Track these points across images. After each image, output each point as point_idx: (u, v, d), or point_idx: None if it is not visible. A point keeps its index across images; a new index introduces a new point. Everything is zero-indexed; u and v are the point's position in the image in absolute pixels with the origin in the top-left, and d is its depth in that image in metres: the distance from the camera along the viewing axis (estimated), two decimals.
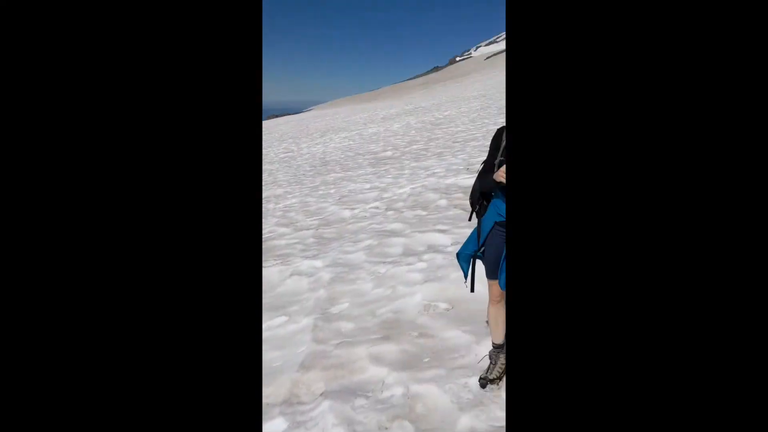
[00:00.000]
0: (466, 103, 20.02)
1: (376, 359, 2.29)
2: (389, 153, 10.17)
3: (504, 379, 1.98)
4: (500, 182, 1.62)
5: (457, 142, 9.79)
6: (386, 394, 2.02)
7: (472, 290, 1.99)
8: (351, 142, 14.45)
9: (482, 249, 1.92)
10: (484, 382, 1.95)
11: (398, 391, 2.02)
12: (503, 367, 2.00)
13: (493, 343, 2.06)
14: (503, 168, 1.62)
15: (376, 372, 2.19)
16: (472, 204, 1.94)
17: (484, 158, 1.86)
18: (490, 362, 2.04)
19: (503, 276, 1.82)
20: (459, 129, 12.00)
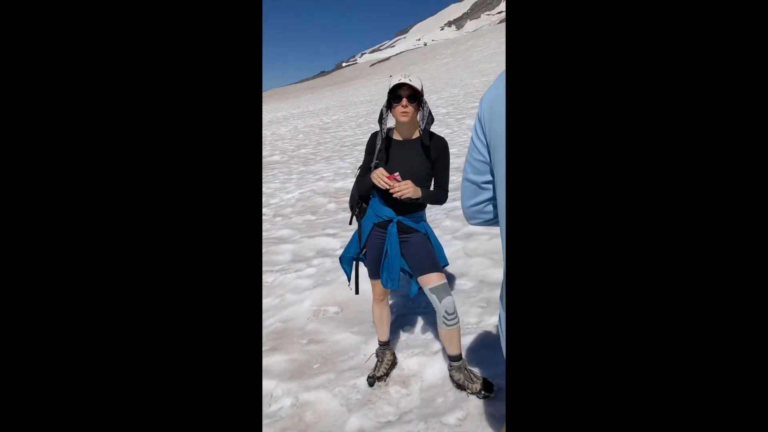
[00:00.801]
0: (354, 108, 20.40)
1: (264, 372, 2.20)
2: (276, 157, 9.88)
3: (390, 374, 2.05)
4: (376, 184, 1.68)
5: (345, 146, 9.92)
6: (274, 407, 1.95)
7: (357, 292, 2.03)
8: None
9: (364, 251, 1.96)
10: (372, 381, 2.00)
11: (287, 402, 1.97)
12: (390, 363, 2.07)
13: (379, 341, 2.12)
14: (378, 170, 1.68)
15: (263, 386, 2.10)
16: (352, 208, 1.97)
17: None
18: (377, 360, 2.09)
19: (384, 275, 1.89)
20: (347, 133, 12.17)
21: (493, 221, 0.87)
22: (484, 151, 0.79)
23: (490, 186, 0.82)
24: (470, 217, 0.90)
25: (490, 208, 0.86)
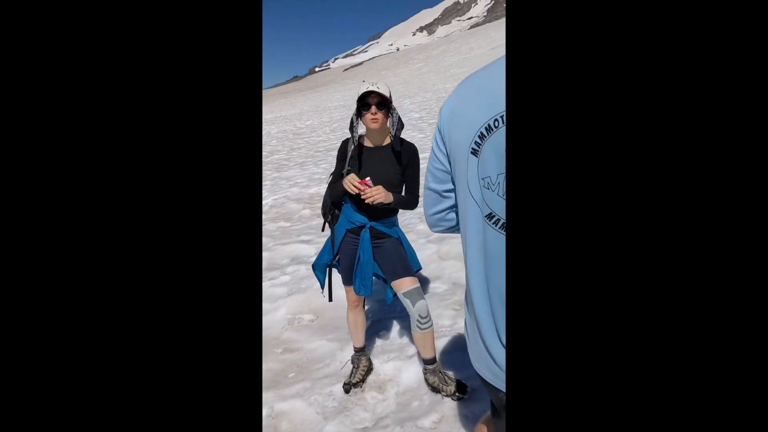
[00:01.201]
0: (328, 113, 20.34)
1: None
2: None
3: (366, 380, 2.05)
4: (348, 190, 1.69)
5: (320, 151, 9.88)
6: None
7: (330, 299, 2.03)
8: None
9: (337, 257, 1.97)
10: (348, 387, 1.99)
11: (262, 413, 1.94)
12: (365, 369, 2.07)
13: (354, 348, 2.12)
14: (350, 176, 1.69)
15: None
16: (324, 215, 1.98)
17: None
18: (353, 366, 2.09)
19: (357, 282, 1.89)
20: (321, 138, 12.12)
21: (455, 228, 0.89)
22: (445, 161, 0.81)
23: (452, 194, 0.84)
24: (433, 225, 0.92)
25: (452, 215, 0.88)
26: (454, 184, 0.81)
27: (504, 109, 0.67)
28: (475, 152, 0.72)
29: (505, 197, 0.70)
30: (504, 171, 0.69)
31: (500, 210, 0.71)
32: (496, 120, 0.69)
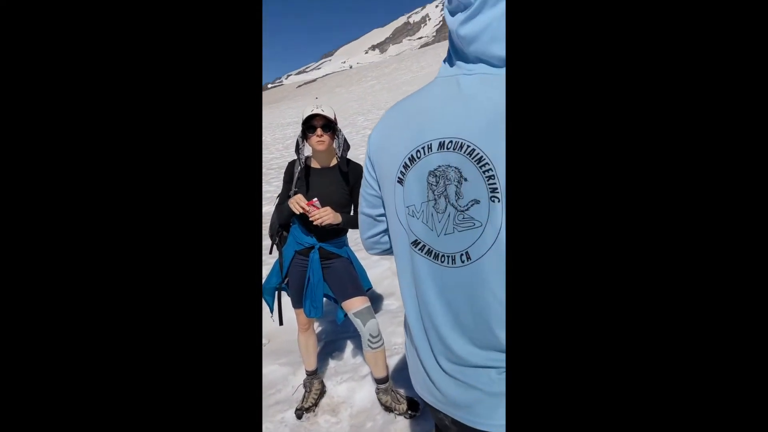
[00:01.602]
0: (281, 130, 20.11)
1: None
2: None
3: (319, 404, 2.01)
4: (294, 211, 1.68)
5: (272, 169, 9.73)
6: None
7: (281, 323, 1.99)
8: None
9: (286, 280, 1.94)
10: (300, 413, 1.95)
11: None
12: (318, 392, 2.04)
13: (306, 371, 2.08)
14: (297, 197, 1.69)
15: None
16: (272, 237, 1.95)
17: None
18: (305, 390, 2.05)
19: (307, 304, 1.87)
20: (273, 156, 11.95)
21: (389, 251, 0.91)
22: (376, 186, 0.84)
23: (384, 218, 0.86)
24: (369, 248, 0.94)
25: (386, 239, 0.90)
26: (384, 209, 0.84)
27: (428, 138, 0.71)
28: (400, 181, 0.75)
29: (427, 223, 0.72)
30: (426, 200, 0.72)
31: (424, 237, 0.73)
32: (418, 150, 0.72)
